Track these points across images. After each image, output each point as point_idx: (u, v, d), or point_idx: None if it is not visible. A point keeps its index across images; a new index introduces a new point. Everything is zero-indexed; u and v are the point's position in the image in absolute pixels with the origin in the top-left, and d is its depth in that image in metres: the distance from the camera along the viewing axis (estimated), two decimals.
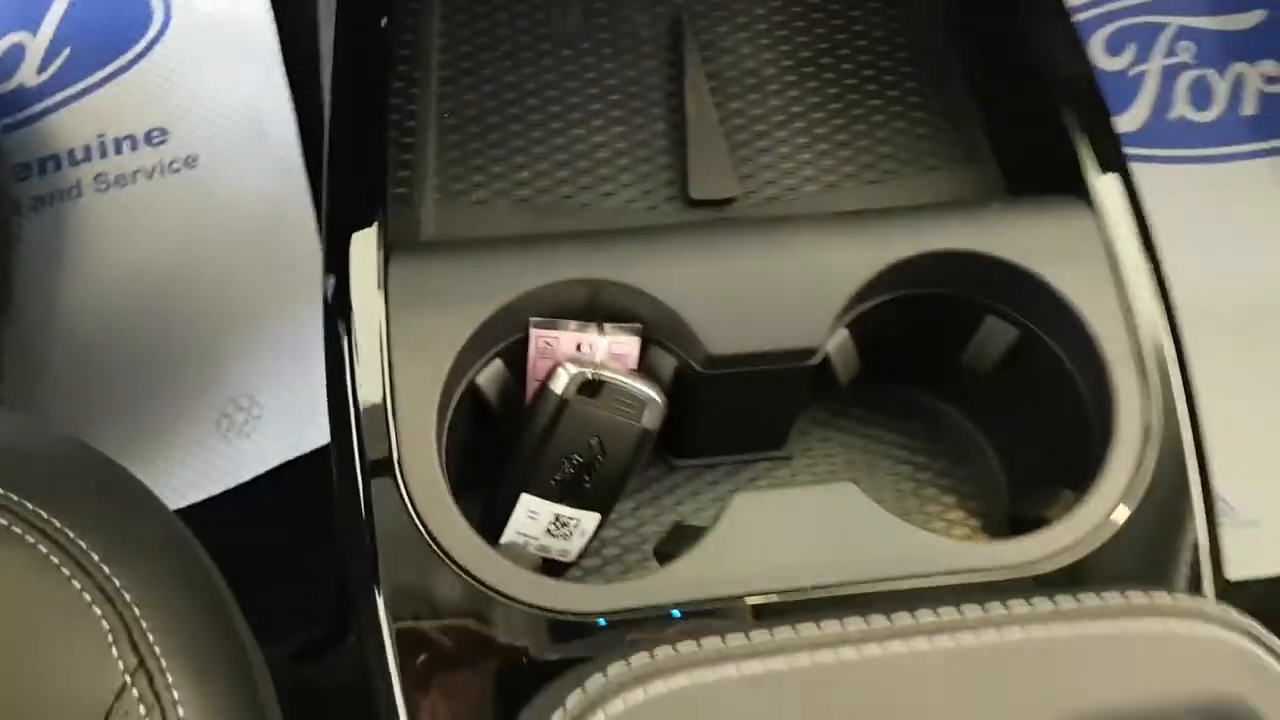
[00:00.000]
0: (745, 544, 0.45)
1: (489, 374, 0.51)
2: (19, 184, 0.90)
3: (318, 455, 0.84)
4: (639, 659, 0.35)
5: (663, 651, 0.35)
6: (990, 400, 0.55)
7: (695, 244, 0.51)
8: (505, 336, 0.50)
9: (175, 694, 0.40)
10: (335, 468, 0.50)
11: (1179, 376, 0.50)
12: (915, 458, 0.56)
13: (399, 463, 0.45)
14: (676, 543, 0.52)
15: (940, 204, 0.58)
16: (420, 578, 0.45)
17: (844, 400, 0.57)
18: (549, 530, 0.52)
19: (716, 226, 0.54)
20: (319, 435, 0.83)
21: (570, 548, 0.53)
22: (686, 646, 0.35)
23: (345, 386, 0.49)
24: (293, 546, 0.81)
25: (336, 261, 0.51)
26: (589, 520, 0.52)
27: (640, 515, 0.55)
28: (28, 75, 0.89)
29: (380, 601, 0.47)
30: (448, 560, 0.45)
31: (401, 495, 0.45)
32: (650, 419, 0.50)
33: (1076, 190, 0.53)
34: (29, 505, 0.42)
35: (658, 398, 0.50)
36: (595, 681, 0.34)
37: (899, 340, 0.53)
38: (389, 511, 0.46)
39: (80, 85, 0.90)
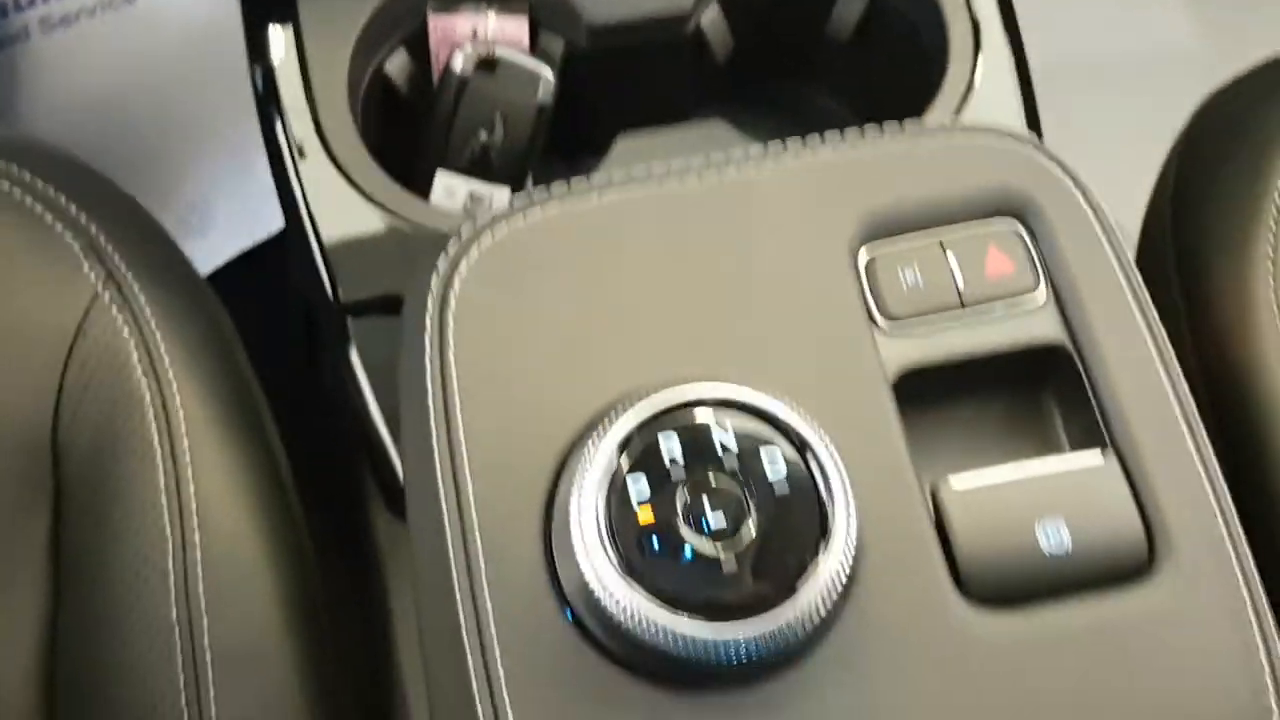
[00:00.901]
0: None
1: (397, 64, 0.57)
2: None
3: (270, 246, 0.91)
4: (512, 203, 0.41)
5: (534, 194, 0.41)
6: (851, 75, 0.61)
7: None
8: (407, 22, 0.56)
9: (142, 297, 0.47)
10: (279, 194, 0.56)
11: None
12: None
13: (322, 135, 0.52)
14: None
15: None
16: (360, 240, 0.52)
17: (722, 97, 0.62)
18: (465, 208, 0.58)
19: None
20: (268, 226, 0.90)
21: None
22: (557, 189, 0.41)
23: (275, 131, 0.55)
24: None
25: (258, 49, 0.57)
26: (500, 195, 0.58)
27: None
28: None
29: (324, 275, 0.53)
30: (385, 210, 0.51)
31: (330, 158, 0.51)
32: (544, 94, 0.56)
33: None
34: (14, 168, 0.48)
35: (549, 74, 0.56)
36: (470, 224, 0.40)
37: (767, 17, 0.59)
38: (319, 176, 0.52)
39: None
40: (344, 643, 0.47)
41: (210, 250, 0.93)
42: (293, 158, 0.54)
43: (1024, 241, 0.41)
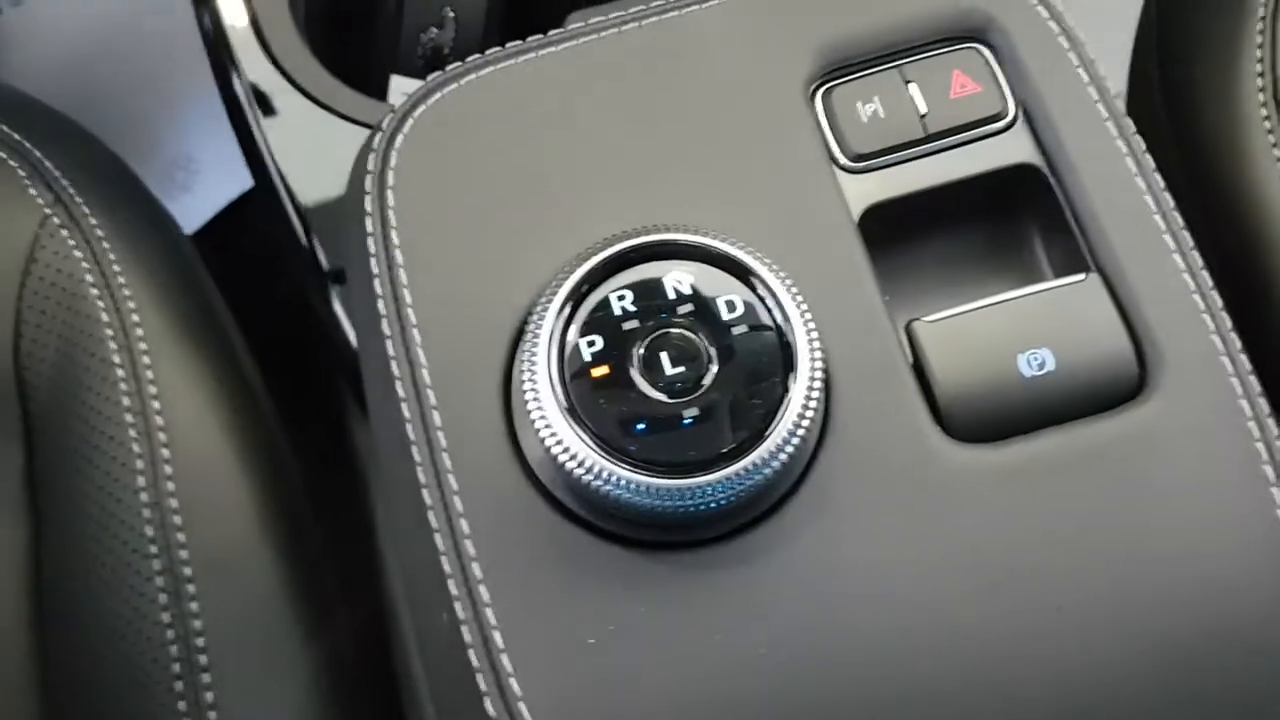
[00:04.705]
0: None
1: None
2: None
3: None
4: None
5: (469, 60, 0.39)
6: None
7: None
8: None
9: (93, 219, 0.46)
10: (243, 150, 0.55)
11: None
12: None
13: (257, 28, 0.50)
14: None
15: None
16: (305, 135, 0.50)
17: None
18: None
19: None
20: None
21: None
22: (493, 52, 0.39)
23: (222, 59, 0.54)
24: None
25: None
26: None
27: None
28: None
29: (276, 176, 0.52)
30: (324, 107, 0.50)
31: (266, 53, 0.50)
32: None
33: None
34: None
35: None
36: (411, 98, 0.39)
37: None
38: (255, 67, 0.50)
39: None
40: (331, 549, 0.46)
41: (199, 203, 0.92)
42: (250, 104, 0.53)
43: (989, 64, 0.39)
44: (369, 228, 0.36)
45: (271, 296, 0.65)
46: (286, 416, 0.50)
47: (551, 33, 0.39)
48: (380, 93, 0.56)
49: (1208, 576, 0.33)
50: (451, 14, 0.54)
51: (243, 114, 0.54)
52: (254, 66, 0.53)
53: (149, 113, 0.95)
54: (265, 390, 0.49)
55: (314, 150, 0.51)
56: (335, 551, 0.46)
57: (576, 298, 0.33)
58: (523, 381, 0.32)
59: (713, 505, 0.32)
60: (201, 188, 0.92)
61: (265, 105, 0.54)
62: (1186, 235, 0.37)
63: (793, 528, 0.34)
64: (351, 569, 0.48)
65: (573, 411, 0.32)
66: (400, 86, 0.55)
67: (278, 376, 0.53)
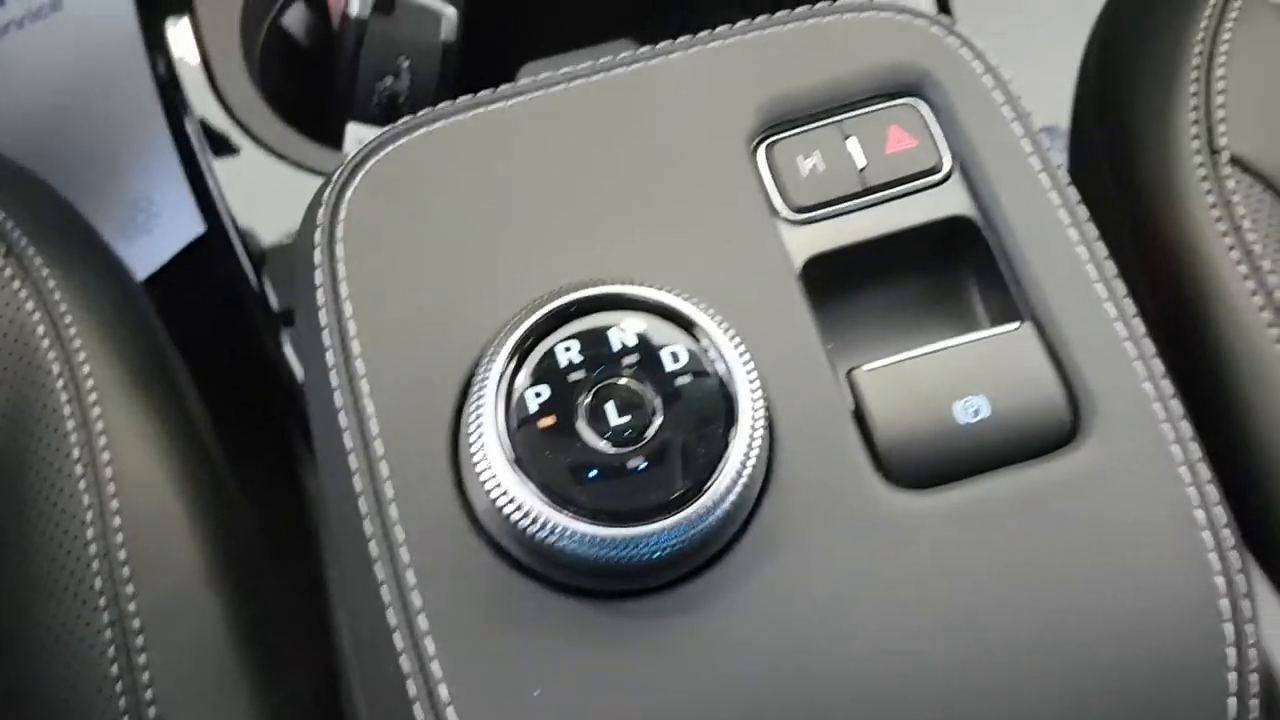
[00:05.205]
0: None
1: (295, 16, 0.56)
2: None
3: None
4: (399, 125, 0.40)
5: (421, 113, 0.40)
6: None
7: None
8: None
9: (44, 270, 0.46)
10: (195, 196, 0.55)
11: None
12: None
13: (210, 73, 0.50)
14: None
15: None
16: (256, 180, 0.51)
17: (636, 19, 0.61)
18: None
19: None
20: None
21: None
22: (444, 106, 0.40)
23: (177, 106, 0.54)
24: None
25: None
26: None
27: None
28: None
29: (227, 218, 0.52)
30: (275, 154, 0.50)
31: (218, 98, 0.50)
32: (448, 32, 0.55)
33: None
34: None
35: (449, 10, 0.55)
36: (361, 150, 0.39)
37: None
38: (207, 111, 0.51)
39: None
40: (284, 598, 0.46)
41: (158, 245, 0.92)
42: (202, 148, 0.53)
43: (925, 119, 0.40)
44: (318, 279, 0.37)
45: (228, 338, 0.65)
46: (240, 461, 0.50)
47: (503, 87, 0.40)
48: (337, 138, 0.56)
49: (1139, 618, 0.34)
50: (407, 63, 0.55)
51: (194, 157, 0.54)
52: (206, 111, 0.54)
53: (111, 154, 0.95)
54: (216, 439, 0.49)
55: (264, 194, 0.52)
56: (288, 601, 0.46)
57: (524, 348, 0.34)
58: (469, 432, 0.33)
59: (658, 554, 0.33)
60: (160, 230, 0.92)
61: (217, 148, 0.54)
62: (1119, 283, 0.37)
63: (738, 574, 0.34)
64: (305, 618, 0.48)
65: (519, 462, 0.32)
66: (356, 133, 0.56)
67: (231, 422, 0.53)
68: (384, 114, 0.56)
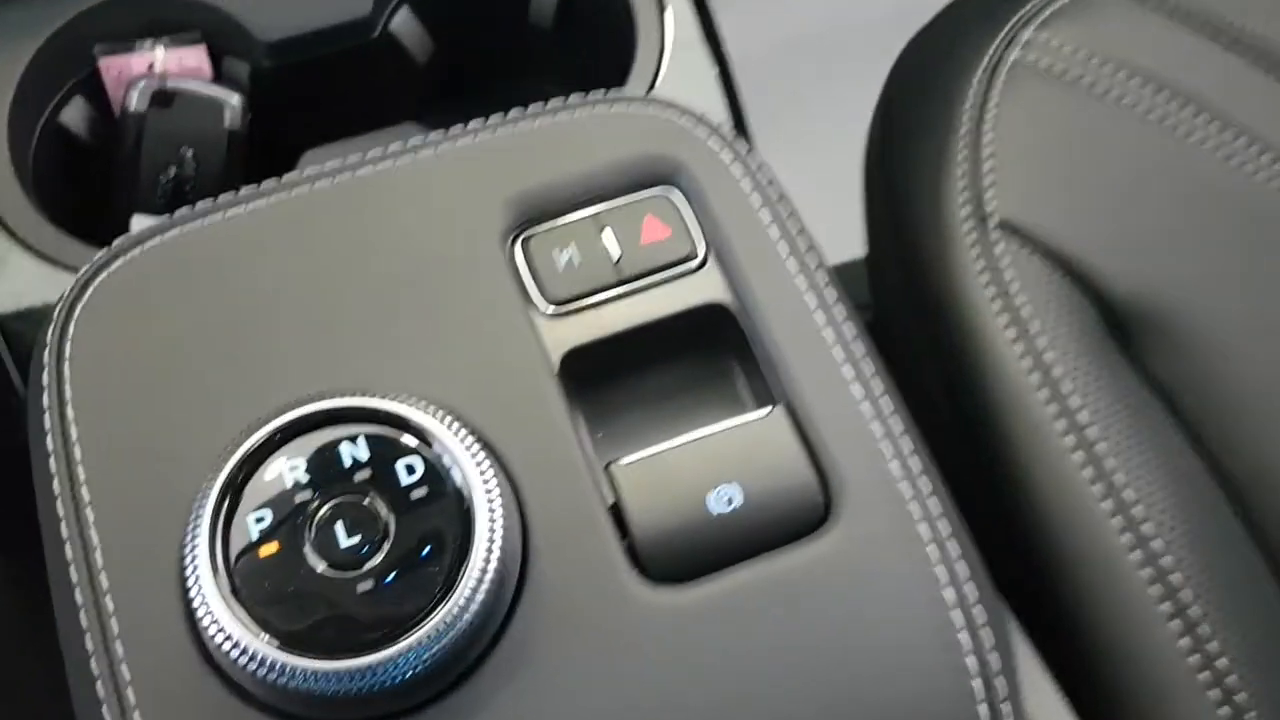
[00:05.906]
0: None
1: (74, 112, 0.54)
2: None
3: None
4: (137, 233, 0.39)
5: (157, 222, 0.39)
6: (562, 61, 0.60)
7: None
8: (75, 69, 0.53)
9: None
10: None
11: None
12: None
13: None
14: None
15: None
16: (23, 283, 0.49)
17: (431, 100, 0.60)
18: None
19: None
20: None
21: None
22: (181, 213, 0.39)
23: None
24: None
25: None
26: None
27: None
28: None
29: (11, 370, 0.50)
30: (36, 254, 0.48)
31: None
32: (232, 120, 0.54)
33: None
34: None
35: (233, 99, 0.54)
36: (92, 264, 0.38)
37: (465, 12, 0.57)
38: None
39: None
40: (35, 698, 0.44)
41: None
42: None
43: (678, 209, 0.40)
44: (45, 402, 0.35)
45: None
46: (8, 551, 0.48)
47: (243, 190, 0.39)
48: (123, 230, 0.54)
49: (893, 705, 0.34)
50: (190, 153, 0.54)
51: None
52: None
53: None
54: None
55: (31, 298, 0.50)
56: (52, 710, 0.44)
57: (246, 471, 0.33)
58: (184, 565, 0.32)
59: (396, 679, 0.32)
60: None
61: None
62: (868, 363, 0.38)
63: (489, 689, 0.33)
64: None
65: (236, 594, 0.31)
66: (142, 225, 0.54)
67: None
68: (169, 203, 0.54)
